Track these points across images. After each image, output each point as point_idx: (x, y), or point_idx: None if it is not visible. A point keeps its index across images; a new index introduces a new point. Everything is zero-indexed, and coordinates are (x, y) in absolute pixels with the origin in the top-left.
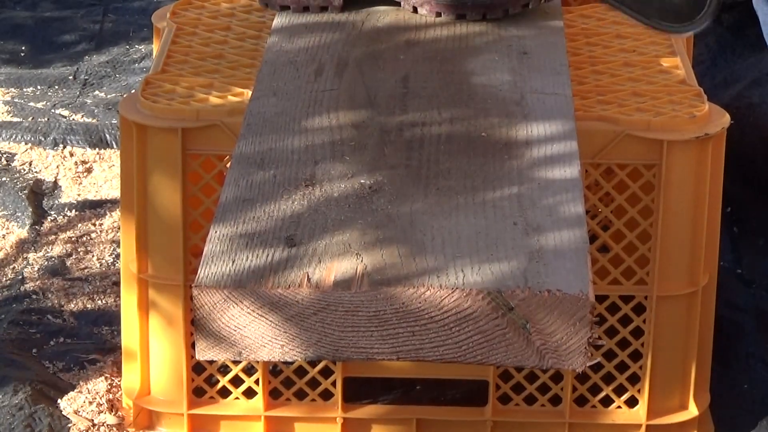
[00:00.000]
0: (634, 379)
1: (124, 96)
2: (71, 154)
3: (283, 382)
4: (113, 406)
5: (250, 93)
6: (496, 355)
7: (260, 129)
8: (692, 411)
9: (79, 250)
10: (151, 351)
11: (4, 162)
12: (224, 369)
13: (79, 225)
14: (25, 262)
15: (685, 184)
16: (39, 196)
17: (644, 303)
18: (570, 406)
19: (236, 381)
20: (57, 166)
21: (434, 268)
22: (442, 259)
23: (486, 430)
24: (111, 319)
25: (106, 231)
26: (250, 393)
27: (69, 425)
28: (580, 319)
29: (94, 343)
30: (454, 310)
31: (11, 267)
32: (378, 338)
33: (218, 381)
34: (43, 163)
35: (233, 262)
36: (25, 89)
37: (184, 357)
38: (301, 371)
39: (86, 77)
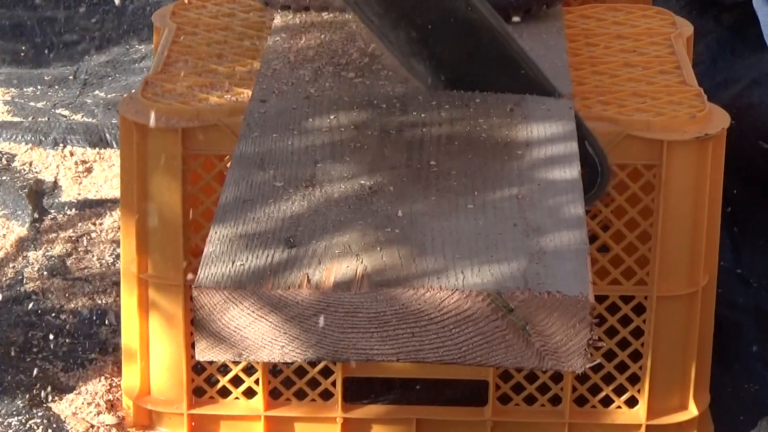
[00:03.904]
0: (634, 379)
1: (124, 96)
2: (71, 154)
3: (283, 382)
4: (113, 406)
5: (250, 93)
6: (496, 357)
7: (260, 129)
8: (692, 411)
9: (79, 249)
10: (151, 351)
11: (5, 162)
12: (224, 369)
13: (79, 225)
14: (25, 262)
15: (685, 184)
16: (39, 195)
17: (644, 303)
18: (570, 406)
19: (236, 381)
20: (57, 166)
21: (434, 269)
22: (442, 260)
23: (486, 430)
24: (111, 319)
25: (106, 231)
26: (250, 393)
27: (67, 428)
28: (580, 321)
29: (94, 343)
30: (454, 312)
31: (12, 266)
32: (378, 339)
33: (218, 381)
34: (44, 162)
35: (233, 263)
36: (25, 89)
37: (184, 357)
38: (301, 371)
39: (86, 77)
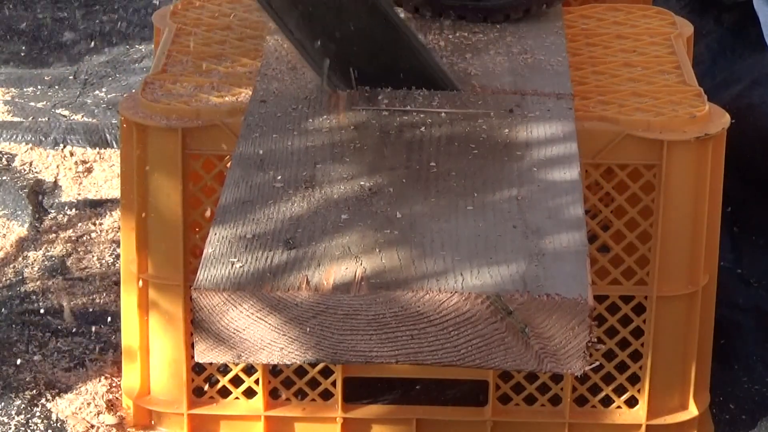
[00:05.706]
0: (634, 379)
1: (124, 96)
2: (71, 154)
3: (283, 382)
4: (113, 406)
5: (250, 93)
6: (495, 359)
7: (260, 130)
8: (692, 411)
9: (79, 249)
10: (151, 351)
11: (5, 162)
12: (224, 369)
13: (79, 225)
14: (25, 262)
15: (685, 184)
16: (39, 195)
17: (644, 303)
18: (570, 406)
19: (236, 381)
20: (57, 166)
21: (433, 271)
22: (442, 262)
23: (486, 430)
24: (111, 319)
25: (106, 231)
26: (250, 393)
27: (67, 428)
28: (579, 323)
29: (94, 343)
30: (453, 314)
31: (11, 266)
32: (377, 341)
33: (218, 381)
34: (44, 162)
35: (233, 264)
36: (25, 89)
37: (184, 357)
38: (301, 371)
39: (86, 77)
